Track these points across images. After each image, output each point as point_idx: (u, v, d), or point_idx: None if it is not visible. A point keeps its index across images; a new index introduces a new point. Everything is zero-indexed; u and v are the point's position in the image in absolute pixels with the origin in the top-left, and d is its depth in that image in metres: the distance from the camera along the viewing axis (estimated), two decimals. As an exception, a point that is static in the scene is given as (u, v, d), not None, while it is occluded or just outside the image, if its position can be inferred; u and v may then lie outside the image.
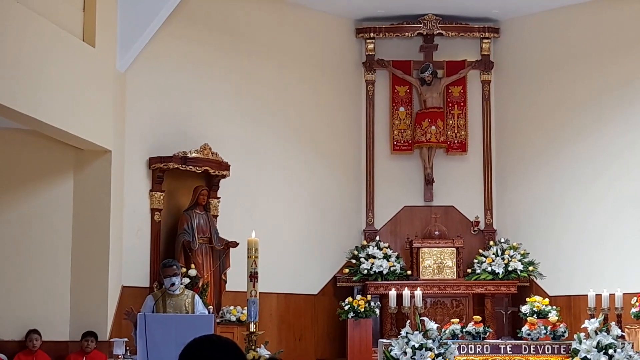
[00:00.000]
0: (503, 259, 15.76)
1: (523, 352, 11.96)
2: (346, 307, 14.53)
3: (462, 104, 16.85)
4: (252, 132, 15.28)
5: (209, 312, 10.18)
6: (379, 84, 16.89)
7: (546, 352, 11.96)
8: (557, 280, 15.63)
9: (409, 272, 15.71)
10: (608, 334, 11.61)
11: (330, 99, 16.53)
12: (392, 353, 11.38)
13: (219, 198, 14.21)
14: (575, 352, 11.63)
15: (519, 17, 16.65)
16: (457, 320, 12.77)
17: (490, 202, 16.63)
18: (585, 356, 11.48)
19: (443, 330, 12.11)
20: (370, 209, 16.58)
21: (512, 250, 15.87)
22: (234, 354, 3.74)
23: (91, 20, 12.23)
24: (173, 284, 9.92)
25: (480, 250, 16.12)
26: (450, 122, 16.75)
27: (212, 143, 13.88)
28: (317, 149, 16.22)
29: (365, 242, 16.17)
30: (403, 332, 11.60)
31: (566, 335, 12.31)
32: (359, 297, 14.87)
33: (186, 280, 12.41)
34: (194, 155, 13.62)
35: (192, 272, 13.02)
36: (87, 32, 12.19)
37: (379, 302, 15.09)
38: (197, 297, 10.26)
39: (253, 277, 9.98)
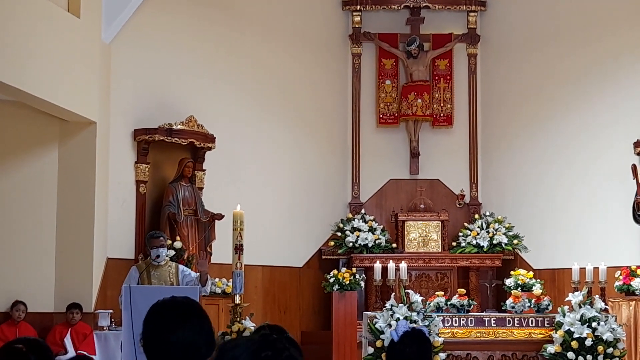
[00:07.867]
0: (488, 232, 15.80)
1: (507, 325, 11.99)
2: (331, 280, 14.52)
3: (448, 77, 16.83)
4: (238, 105, 15.23)
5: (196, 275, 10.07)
6: (365, 57, 16.83)
7: (530, 325, 11.99)
8: (542, 253, 15.69)
9: (394, 245, 15.74)
10: (592, 307, 11.66)
11: (316, 72, 16.47)
12: (377, 325, 11.41)
13: (204, 170, 14.19)
14: (559, 325, 11.68)
15: (505, -9, 16.61)
16: (442, 293, 12.78)
17: (476, 175, 16.64)
18: (569, 329, 11.53)
19: (427, 303, 12.12)
20: (355, 182, 16.57)
21: (496, 224, 15.90)
22: (197, 315, 3.72)
23: (76, -10, 12.15)
24: (159, 255, 9.92)
25: (465, 224, 16.15)
26: (436, 95, 16.73)
27: (198, 115, 13.84)
28: (303, 121, 16.17)
29: (350, 215, 16.18)
30: (388, 305, 11.61)
31: (550, 308, 12.34)
32: (344, 269, 14.87)
33: (171, 253, 12.40)
34: (179, 127, 13.58)
35: (178, 244, 13.02)
36: (71, 3, 12.11)
37: (364, 275, 15.09)
38: (181, 266, 10.24)
39: (238, 249, 9.98)
